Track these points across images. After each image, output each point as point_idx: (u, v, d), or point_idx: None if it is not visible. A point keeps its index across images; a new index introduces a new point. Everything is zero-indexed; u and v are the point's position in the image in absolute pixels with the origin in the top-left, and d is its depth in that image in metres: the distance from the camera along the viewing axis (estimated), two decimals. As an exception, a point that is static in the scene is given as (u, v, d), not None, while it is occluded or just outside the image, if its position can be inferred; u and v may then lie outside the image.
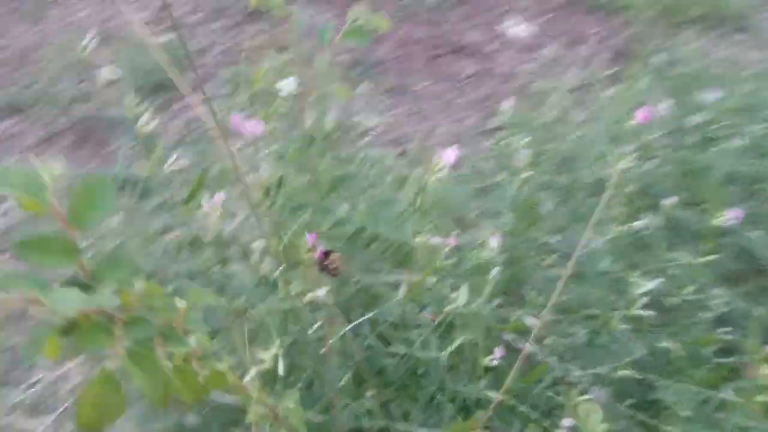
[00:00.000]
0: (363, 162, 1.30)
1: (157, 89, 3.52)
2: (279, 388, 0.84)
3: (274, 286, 0.93)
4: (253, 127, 0.92)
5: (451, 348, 1.00)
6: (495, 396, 0.98)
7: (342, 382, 1.00)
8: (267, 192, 0.87)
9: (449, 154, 0.94)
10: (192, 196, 0.99)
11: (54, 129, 3.72)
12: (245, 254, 0.95)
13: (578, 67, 3.21)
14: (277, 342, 0.71)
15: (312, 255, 0.84)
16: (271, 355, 0.71)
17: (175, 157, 1.26)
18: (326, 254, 0.87)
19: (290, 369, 0.86)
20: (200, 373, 0.50)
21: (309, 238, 0.85)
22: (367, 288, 1.07)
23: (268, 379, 0.80)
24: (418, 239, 0.93)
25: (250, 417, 0.68)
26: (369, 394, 1.02)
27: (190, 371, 0.48)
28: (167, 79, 0.93)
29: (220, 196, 0.93)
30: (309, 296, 0.85)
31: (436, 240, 0.94)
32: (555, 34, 3.73)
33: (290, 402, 0.71)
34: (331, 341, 0.95)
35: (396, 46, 3.74)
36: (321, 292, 0.85)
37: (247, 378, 0.71)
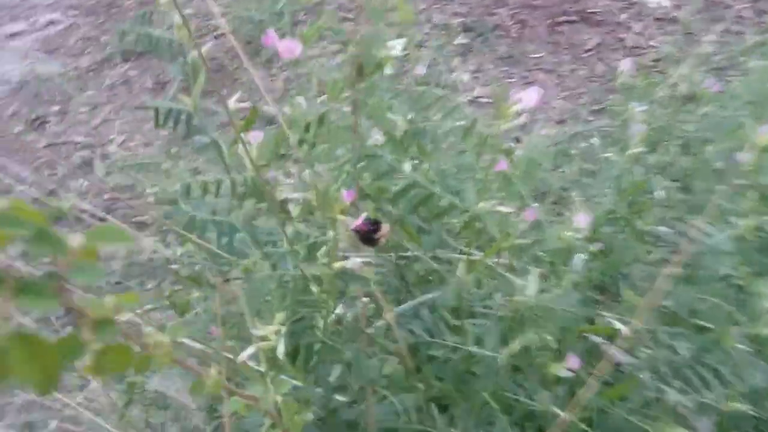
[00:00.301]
0: (444, 116, 1.11)
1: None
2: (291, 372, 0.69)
3: (310, 248, 0.78)
4: (291, 46, 0.75)
5: (513, 346, 0.81)
6: (564, 413, 0.78)
7: (380, 372, 0.84)
8: (305, 130, 0.71)
9: (530, 96, 0.73)
10: (239, 136, 0.84)
11: (164, 77, 3.76)
12: (279, 205, 0.80)
13: (719, 43, 2.81)
14: (280, 316, 0.55)
15: (346, 219, 0.68)
16: (272, 330, 0.56)
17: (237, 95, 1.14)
18: (374, 225, 0.70)
19: (308, 350, 0.71)
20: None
21: (346, 195, 0.68)
22: (419, 263, 0.89)
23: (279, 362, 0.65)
24: (484, 206, 0.74)
25: (225, 409, 0.53)
26: (413, 386, 0.85)
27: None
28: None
29: (257, 134, 0.78)
30: (338, 265, 0.68)
31: (507, 209, 0.75)
32: (701, 7, 3.31)
33: (282, 389, 0.56)
34: (369, 328, 0.79)
35: (516, 9, 3.47)
36: (354, 262, 0.68)
37: (243, 356, 0.56)
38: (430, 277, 1.21)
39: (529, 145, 1.39)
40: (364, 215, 0.68)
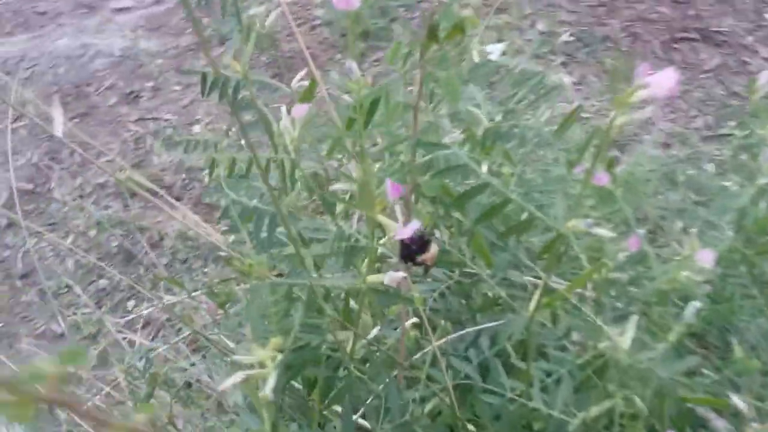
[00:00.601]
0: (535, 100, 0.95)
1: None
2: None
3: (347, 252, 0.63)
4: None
5: (593, 409, 0.64)
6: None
7: (421, 411, 0.69)
8: (355, 110, 0.57)
9: (664, 79, 0.55)
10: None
11: (258, 63, 3.73)
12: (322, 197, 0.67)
13: None
14: (276, 341, 0.41)
15: (390, 223, 0.53)
16: (264, 357, 0.42)
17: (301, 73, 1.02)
18: (421, 241, 0.55)
19: (328, 384, 0.56)
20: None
21: (391, 190, 0.53)
22: (486, 284, 0.73)
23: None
24: (574, 225, 0.58)
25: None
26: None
27: None
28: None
29: (300, 108, 0.64)
30: (374, 278, 0.54)
31: (605, 233, 0.58)
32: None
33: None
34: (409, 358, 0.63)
35: (630, 22, 3.22)
36: (393, 277, 0.54)
37: (226, 385, 0.42)
38: (499, 303, 1.05)
39: (633, 163, 1.19)
40: (415, 224, 0.53)
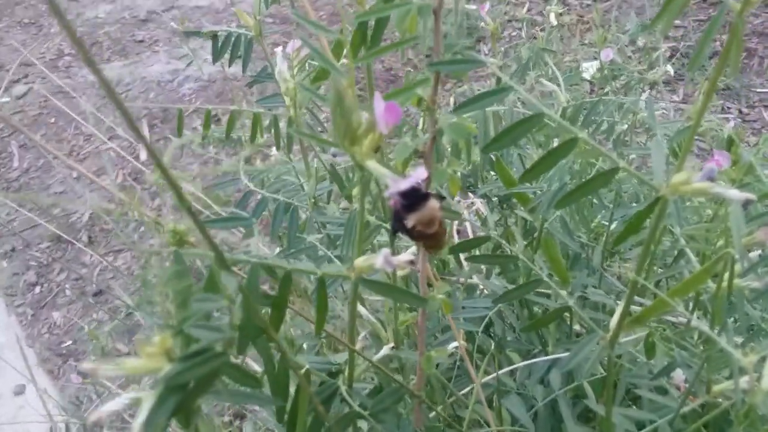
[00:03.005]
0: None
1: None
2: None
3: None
4: None
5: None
6: None
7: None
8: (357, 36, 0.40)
9: None
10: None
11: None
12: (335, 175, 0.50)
13: None
14: (162, 340, 0.24)
15: (385, 171, 0.34)
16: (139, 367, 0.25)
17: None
18: (414, 195, 0.37)
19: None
20: None
21: (386, 112, 0.34)
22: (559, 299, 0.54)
23: None
24: (681, 179, 0.38)
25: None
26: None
27: None
28: None
29: (295, 42, 0.48)
30: (361, 262, 0.36)
31: (734, 193, 0.38)
32: None
33: None
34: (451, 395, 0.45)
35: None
36: (388, 259, 0.36)
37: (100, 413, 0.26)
38: (583, 326, 0.85)
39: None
40: (421, 172, 0.34)
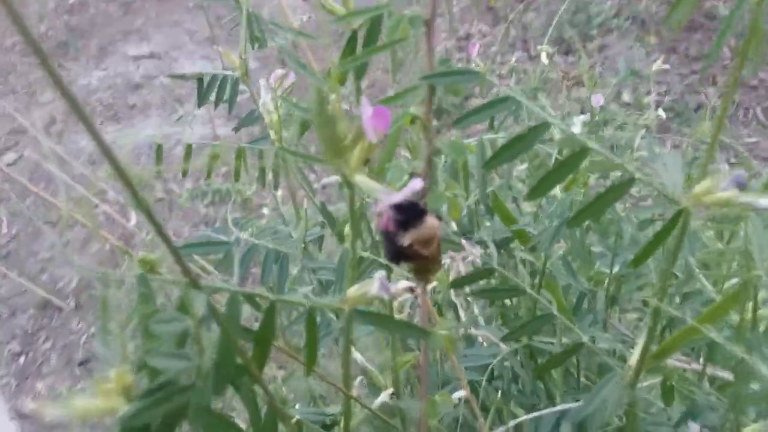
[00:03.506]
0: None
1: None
2: None
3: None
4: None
5: None
6: None
7: None
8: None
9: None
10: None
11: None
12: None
13: None
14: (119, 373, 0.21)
15: (375, 184, 0.31)
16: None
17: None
18: (411, 210, 0.34)
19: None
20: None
21: (375, 119, 0.30)
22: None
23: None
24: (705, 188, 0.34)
25: None
26: None
27: None
28: None
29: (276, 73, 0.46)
30: (353, 291, 0.32)
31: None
32: None
33: None
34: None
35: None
36: (383, 286, 0.32)
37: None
38: (590, 380, 0.81)
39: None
40: (416, 183, 0.31)
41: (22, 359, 2.81)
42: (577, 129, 2.44)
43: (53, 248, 3.58)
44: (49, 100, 4.93)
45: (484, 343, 0.98)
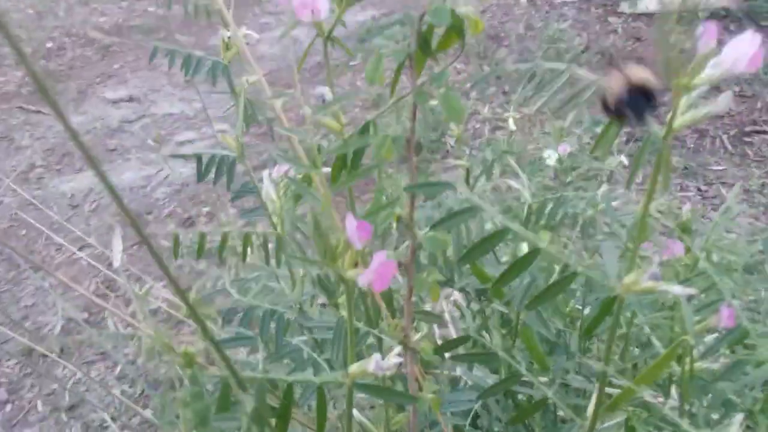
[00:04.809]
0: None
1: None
2: None
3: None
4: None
5: None
6: None
7: None
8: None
9: (748, 43, 0.40)
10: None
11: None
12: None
13: None
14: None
15: (359, 271, 0.38)
16: None
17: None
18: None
19: None
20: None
21: (357, 230, 0.38)
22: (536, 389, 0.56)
23: None
24: (632, 280, 0.41)
25: None
26: None
27: None
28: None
29: (280, 167, 0.52)
30: (355, 369, 0.38)
31: (679, 289, 0.41)
32: None
33: None
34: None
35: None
36: (379, 364, 0.38)
37: None
38: (563, 416, 0.86)
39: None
40: (381, 254, 0.37)
41: (8, 407, 2.80)
42: (551, 161, 2.47)
43: (36, 294, 3.58)
44: (28, 144, 4.95)
45: (468, 382, 1.04)
